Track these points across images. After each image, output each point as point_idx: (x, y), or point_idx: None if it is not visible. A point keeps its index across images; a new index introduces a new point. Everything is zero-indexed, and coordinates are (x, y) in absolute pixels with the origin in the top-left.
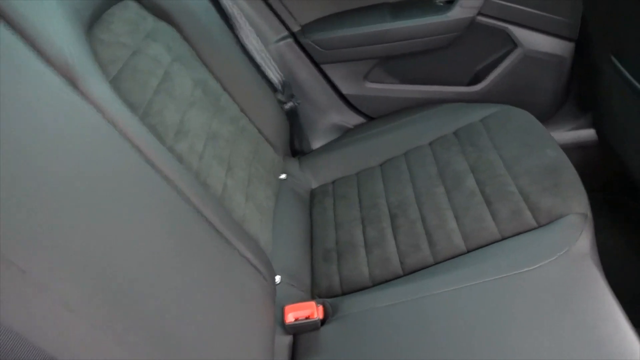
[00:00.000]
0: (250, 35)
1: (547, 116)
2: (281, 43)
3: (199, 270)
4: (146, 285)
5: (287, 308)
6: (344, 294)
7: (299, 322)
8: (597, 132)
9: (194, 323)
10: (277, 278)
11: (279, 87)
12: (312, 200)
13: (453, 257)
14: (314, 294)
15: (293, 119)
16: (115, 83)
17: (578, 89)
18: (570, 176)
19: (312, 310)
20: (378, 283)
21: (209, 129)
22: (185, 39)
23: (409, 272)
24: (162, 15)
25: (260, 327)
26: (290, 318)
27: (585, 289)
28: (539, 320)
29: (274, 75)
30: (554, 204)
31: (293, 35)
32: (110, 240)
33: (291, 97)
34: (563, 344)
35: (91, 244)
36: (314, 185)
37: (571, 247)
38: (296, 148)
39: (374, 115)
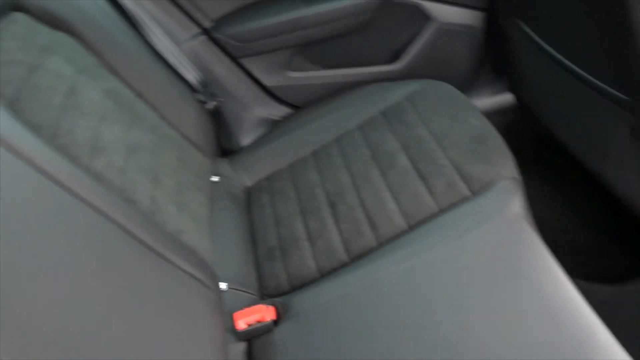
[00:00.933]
0: (159, 37)
1: (468, 86)
2: (194, 41)
3: (134, 296)
4: (78, 329)
5: (236, 315)
6: (293, 290)
7: (251, 327)
8: (515, 96)
9: (137, 352)
10: (223, 285)
11: (198, 87)
12: (249, 199)
13: (396, 237)
14: (263, 295)
15: (217, 118)
16: (15, 105)
17: (493, 56)
18: (496, 143)
19: (262, 314)
20: (326, 274)
21: (128, 141)
22: (89, 48)
23: (355, 258)
24: (58, 25)
25: (210, 339)
26: (241, 324)
27: (523, 248)
28: (486, 283)
29: (191, 76)
30: (485, 171)
31: (206, 31)
32: (26, 284)
33: (212, 95)
34: (509, 303)
35: (5, 291)
36: (249, 183)
37: (505, 211)
38: (225, 147)
39: (300, 105)
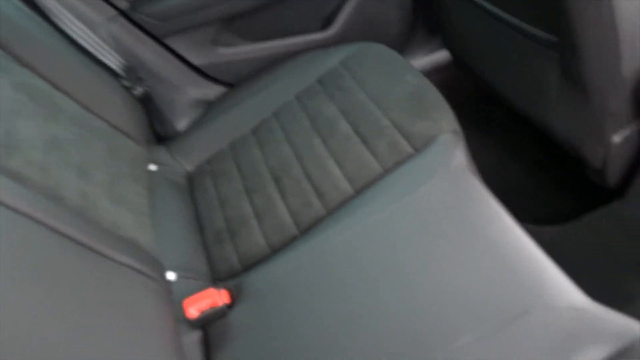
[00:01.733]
0: (73, 23)
1: (403, 46)
2: (113, 25)
3: (72, 297)
4: (14, 340)
5: (186, 302)
6: (245, 270)
7: (204, 313)
8: (450, 52)
9: (83, 355)
10: (172, 275)
11: (122, 73)
12: (191, 184)
13: (344, 203)
14: (215, 280)
15: (148, 103)
16: None
17: (425, 14)
18: (435, 97)
19: (213, 298)
20: (277, 250)
21: (46, 135)
22: None
23: (305, 230)
24: None
25: (159, 331)
26: (192, 312)
27: (469, 198)
28: (435, 237)
29: (113, 61)
30: (426, 127)
31: (122, 13)
32: None
33: (139, 80)
34: (460, 253)
35: None
36: (189, 168)
37: (449, 164)
38: (160, 134)
39: (234, 82)
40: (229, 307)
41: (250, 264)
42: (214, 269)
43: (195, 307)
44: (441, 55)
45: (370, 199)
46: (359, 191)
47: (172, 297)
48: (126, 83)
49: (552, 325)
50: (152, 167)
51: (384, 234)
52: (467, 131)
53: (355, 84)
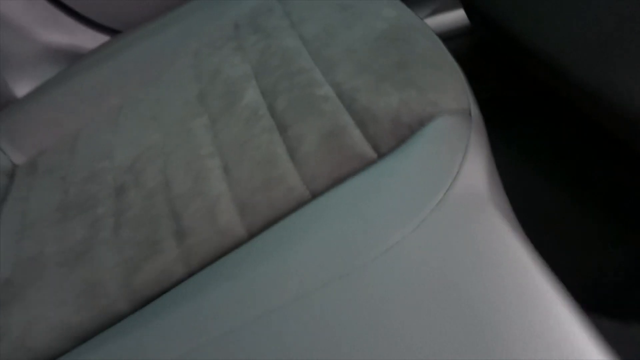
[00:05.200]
0: None
1: None
2: None
3: None
4: None
5: None
6: None
7: None
8: (468, 10)
9: None
10: None
11: None
12: (9, 186)
13: (222, 256)
14: None
15: None
16: None
17: None
18: (431, 50)
19: None
20: (82, 338)
21: None
22: None
23: (145, 300)
24: None
25: None
26: None
27: (490, 261)
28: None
29: None
30: (406, 102)
31: None
32: None
33: None
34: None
35: None
36: (18, 160)
37: (445, 181)
38: None
39: (119, 27)
40: None
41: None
42: None
43: None
44: (451, 18)
45: (272, 255)
46: (254, 233)
47: None
48: None
49: None
50: None
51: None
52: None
53: (287, 21)
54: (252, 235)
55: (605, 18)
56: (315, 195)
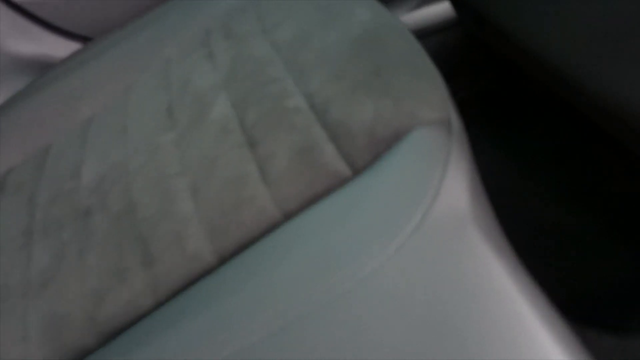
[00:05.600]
0: None
1: None
2: None
3: None
4: None
5: None
6: None
7: None
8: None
9: None
10: None
11: None
12: None
13: (191, 284)
14: None
15: None
16: None
17: None
18: (408, 54)
19: None
20: None
21: None
22: None
23: (106, 338)
24: None
25: None
26: None
27: (474, 295)
28: None
29: None
30: (381, 113)
31: None
32: None
33: None
34: None
35: None
36: None
37: (430, 207)
38: None
39: (90, 34)
40: None
41: None
42: None
43: None
44: (436, 10)
45: (244, 285)
46: (225, 258)
47: None
48: None
49: None
50: None
51: None
52: (473, 132)
53: (259, 27)
54: (222, 260)
55: (606, 14)
56: (287, 216)
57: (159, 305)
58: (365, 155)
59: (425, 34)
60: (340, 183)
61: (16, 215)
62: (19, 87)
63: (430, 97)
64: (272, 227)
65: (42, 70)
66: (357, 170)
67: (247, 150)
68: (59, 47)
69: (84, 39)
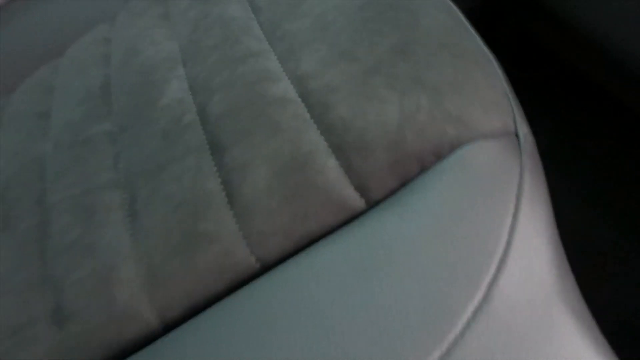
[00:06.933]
0: None
1: None
2: None
3: None
4: None
5: None
6: None
7: None
8: None
9: None
10: None
11: None
12: None
13: (124, 354)
14: None
15: None
16: None
17: None
18: (441, 19)
19: None
20: None
21: None
22: None
23: None
24: None
25: None
26: None
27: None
28: None
29: None
30: (412, 115)
31: None
32: None
33: None
34: None
35: None
36: None
37: (498, 274)
38: None
39: None
40: None
41: None
42: None
43: None
44: None
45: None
46: (169, 319)
47: None
48: None
49: None
50: None
51: None
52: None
53: None
54: (165, 324)
55: None
56: (265, 266)
57: None
58: (387, 179)
59: None
60: (345, 218)
61: None
62: None
63: (487, 94)
64: (240, 280)
65: None
66: (373, 201)
67: (209, 157)
68: None
69: None
